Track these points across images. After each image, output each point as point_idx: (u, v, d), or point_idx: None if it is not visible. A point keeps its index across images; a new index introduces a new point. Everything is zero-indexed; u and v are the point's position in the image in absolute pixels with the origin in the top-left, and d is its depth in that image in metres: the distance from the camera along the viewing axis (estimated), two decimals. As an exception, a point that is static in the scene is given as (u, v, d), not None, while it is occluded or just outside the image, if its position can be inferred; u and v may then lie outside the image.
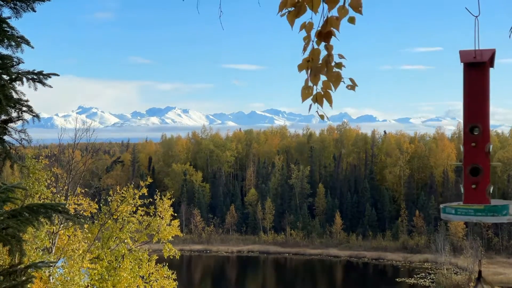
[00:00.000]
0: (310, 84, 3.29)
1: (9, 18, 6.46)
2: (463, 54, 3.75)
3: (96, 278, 21.44)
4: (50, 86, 6.70)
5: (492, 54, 3.75)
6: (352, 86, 3.31)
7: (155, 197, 24.29)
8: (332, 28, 3.21)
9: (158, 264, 23.85)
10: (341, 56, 3.27)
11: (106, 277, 21.72)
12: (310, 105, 3.29)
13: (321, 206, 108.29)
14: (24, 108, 6.52)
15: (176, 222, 24.60)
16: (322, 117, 3.30)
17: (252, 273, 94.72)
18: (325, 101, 3.31)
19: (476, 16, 3.63)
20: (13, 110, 6.48)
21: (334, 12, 3.18)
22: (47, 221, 7.51)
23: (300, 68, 3.29)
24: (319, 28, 3.21)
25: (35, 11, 6.52)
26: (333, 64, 3.27)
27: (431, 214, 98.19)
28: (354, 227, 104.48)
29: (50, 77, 6.66)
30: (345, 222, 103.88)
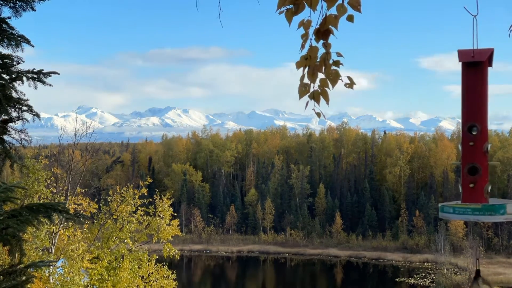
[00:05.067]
0: (307, 81, 3.30)
1: (9, 18, 6.46)
2: (461, 54, 3.77)
3: (96, 278, 21.44)
4: (50, 85, 6.70)
5: (490, 54, 3.76)
6: (350, 84, 3.31)
7: (155, 197, 24.29)
8: (330, 26, 3.21)
9: (158, 264, 23.86)
10: (339, 54, 3.27)
11: (106, 277, 21.72)
12: (307, 103, 3.30)
13: (321, 206, 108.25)
14: (24, 108, 6.52)
15: (175, 222, 24.60)
16: (318, 115, 3.31)
17: (252, 273, 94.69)
18: (322, 100, 3.31)
19: (475, 16, 3.64)
20: (13, 110, 6.47)
21: (333, 10, 3.19)
22: (47, 221, 7.51)
23: (298, 65, 3.29)
24: (318, 26, 3.22)
25: (34, 10, 6.51)
26: (331, 62, 3.27)
27: (431, 214, 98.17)
28: (354, 227, 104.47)
29: (50, 76, 6.66)
30: (345, 222, 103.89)
